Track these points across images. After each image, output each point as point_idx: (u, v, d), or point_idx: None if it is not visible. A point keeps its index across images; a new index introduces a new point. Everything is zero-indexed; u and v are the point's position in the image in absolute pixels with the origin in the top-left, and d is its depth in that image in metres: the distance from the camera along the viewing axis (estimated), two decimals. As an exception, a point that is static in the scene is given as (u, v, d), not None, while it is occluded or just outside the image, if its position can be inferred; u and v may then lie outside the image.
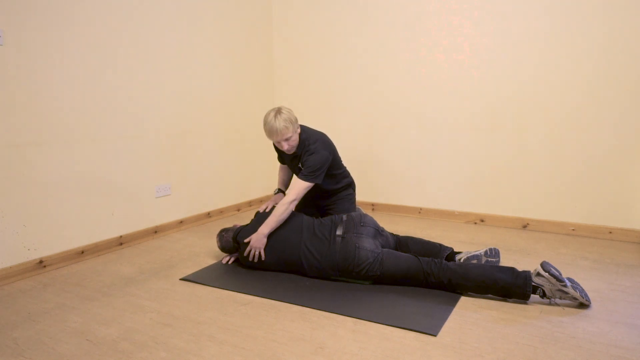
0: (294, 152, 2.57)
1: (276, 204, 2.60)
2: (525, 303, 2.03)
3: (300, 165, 2.55)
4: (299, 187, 2.46)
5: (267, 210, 2.59)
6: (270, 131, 2.43)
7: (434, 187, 3.59)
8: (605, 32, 2.87)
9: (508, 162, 3.28)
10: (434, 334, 1.77)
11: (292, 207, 2.43)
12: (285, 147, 2.47)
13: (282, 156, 2.81)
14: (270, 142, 4.20)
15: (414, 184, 3.66)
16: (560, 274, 1.96)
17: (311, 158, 2.48)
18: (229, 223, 3.48)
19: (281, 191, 2.87)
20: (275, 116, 2.40)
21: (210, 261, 2.65)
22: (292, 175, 2.93)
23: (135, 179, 2.97)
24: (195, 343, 1.73)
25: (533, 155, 3.19)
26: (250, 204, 3.99)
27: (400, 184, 3.72)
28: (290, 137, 2.44)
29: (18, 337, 1.79)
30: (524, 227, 3.27)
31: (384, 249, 2.25)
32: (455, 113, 3.41)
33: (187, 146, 3.34)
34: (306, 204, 2.77)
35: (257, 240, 2.38)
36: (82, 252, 2.67)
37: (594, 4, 2.87)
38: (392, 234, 2.49)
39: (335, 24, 3.81)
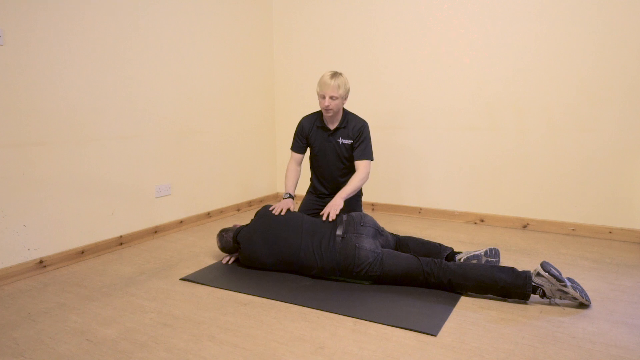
0: (334, 126, 2.76)
1: (289, 209, 2.52)
2: (525, 303, 2.03)
3: (343, 140, 2.75)
4: (368, 165, 2.73)
5: (281, 212, 2.47)
6: (323, 84, 2.61)
7: (434, 187, 3.59)
8: (605, 32, 2.87)
9: (508, 162, 3.28)
10: (434, 334, 1.77)
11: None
12: (326, 103, 2.61)
13: (310, 138, 2.84)
14: (272, 141, 4.20)
15: (414, 184, 3.66)
16: (560, 274, 1.96)
17: (369, 139, 2.76)
18: (229, 223, 3.48)
19: (290, 196, 2.72)
20: (333, 75, 2.61)
21: (210, 261, 2.65)
22: (299, 177, 2.87)
23: (135, 179, 2.97)
24: (195, 343, 1.73)
25: (533, 155, 3.19)
26: (250, 204, 3.99)
27: (400, 184, 3.72)
28: (337, 99, 2.62)
29: (18, 337, 1.79)
30: (524, 227, 3.27)
31: (384, 249, 2.25)
32: (455, 113, 3.41)
33: (187, 146, 3.34)
34: (327, 179, 2.89)
35: (335, 204, 2.51)
36: (82, 252, 2.67)
37: (594, 3, 2.88)
38: (392, 234, 2.49)
39: (335, 24, 3.81)
